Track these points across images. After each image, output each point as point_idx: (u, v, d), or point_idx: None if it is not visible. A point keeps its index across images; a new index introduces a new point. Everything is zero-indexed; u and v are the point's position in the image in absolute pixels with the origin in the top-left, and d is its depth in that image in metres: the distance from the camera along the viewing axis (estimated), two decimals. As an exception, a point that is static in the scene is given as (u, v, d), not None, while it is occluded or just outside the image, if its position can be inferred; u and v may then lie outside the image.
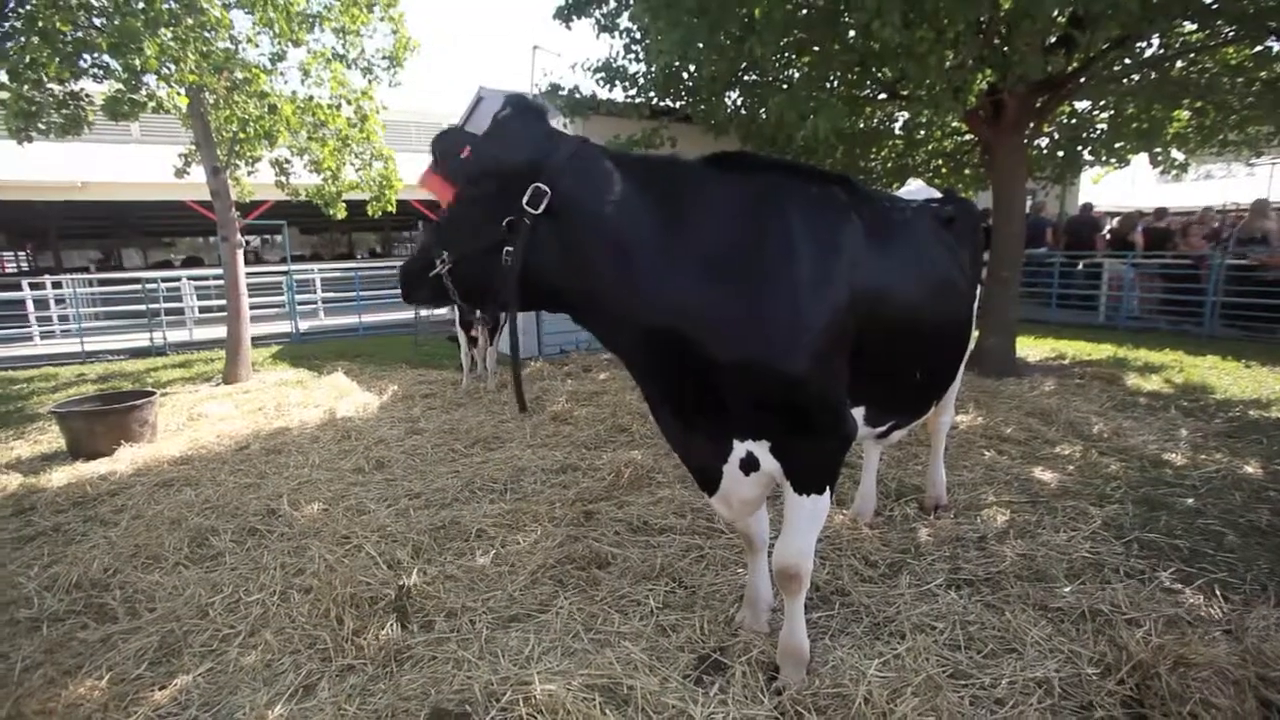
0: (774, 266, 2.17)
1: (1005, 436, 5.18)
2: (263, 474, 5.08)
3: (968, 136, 8.74)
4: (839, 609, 3.06)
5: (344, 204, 10.20)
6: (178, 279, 13.90)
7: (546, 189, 2.02)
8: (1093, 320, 10.52)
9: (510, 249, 2.05)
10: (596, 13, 7.62)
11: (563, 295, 2.18)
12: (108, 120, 7.31)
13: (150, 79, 7.44)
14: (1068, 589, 3.09)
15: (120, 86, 7.02)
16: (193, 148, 8.90)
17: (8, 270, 23.43)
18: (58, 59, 6.84)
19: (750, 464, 2.36)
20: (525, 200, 2.03)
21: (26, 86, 7.10)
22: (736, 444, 2.34)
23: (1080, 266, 11.34)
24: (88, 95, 7.62)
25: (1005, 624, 2.87)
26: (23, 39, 6.75)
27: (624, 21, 7.59)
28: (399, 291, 2.32)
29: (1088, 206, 12.62)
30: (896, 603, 3.06)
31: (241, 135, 8.31)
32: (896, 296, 2.48)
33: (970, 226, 3.31)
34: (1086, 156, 7.98)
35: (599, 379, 7.94)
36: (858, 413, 2.54)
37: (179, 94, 7.79)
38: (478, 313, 2.24)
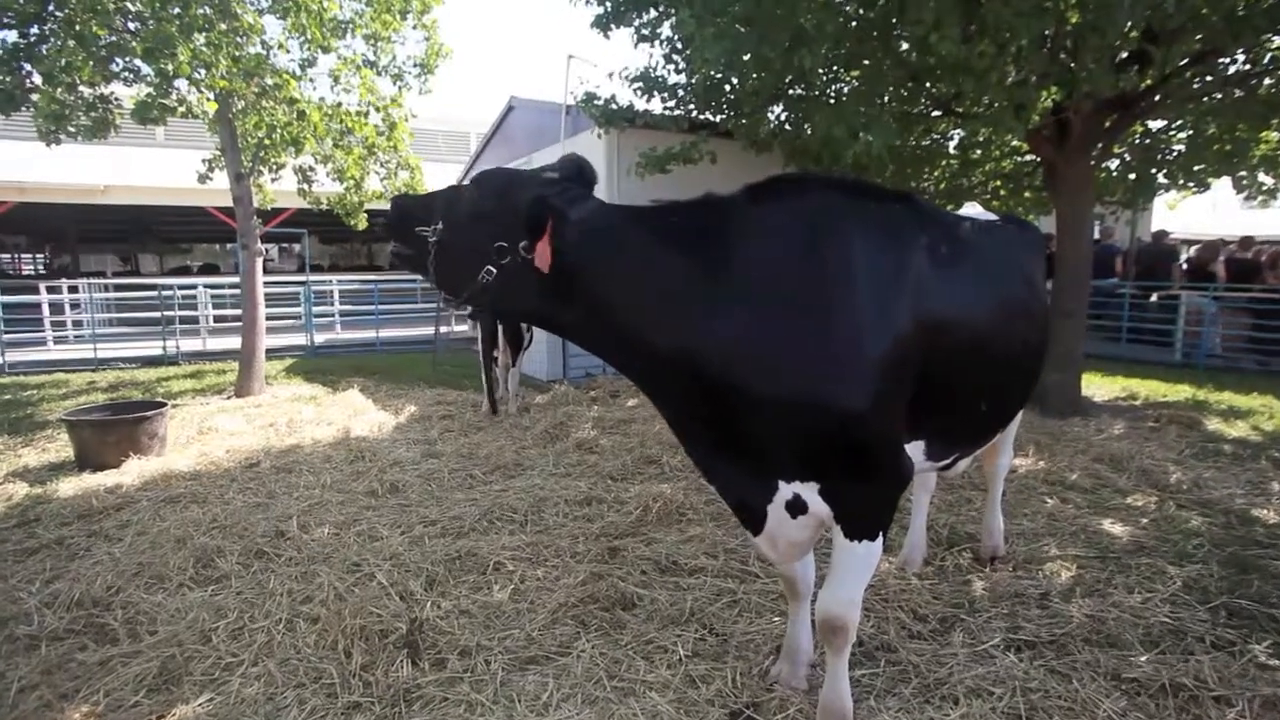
0: (828, 293, 2.14)
1: (1070, 483, 5.03)
2: (272, 493, 5.14)
3: (1029, 157, 8.64)
4: (885, 667, 2.97)
5: (366, 214, 10.44)
6: (194, 286, 14.31)
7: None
8: (1168, 358, 10.22)
9: (491, 270, 2.15)
10: (637, 21, 7.73)
11: (551, 324, 2.30)
12: (135, 124, 7.58)
13: (181, 84, 7.73)
14: (1144, 658, 2.95)
15: (151, 91, 7.29)
16: (218, 153, 9.20)
17: (25, 273, 24.31)
18: (91, 63, 7.13)
19: (797, 507, 2.33)
20: (522, 244, 2.13)
21: (60, 89, 7.40)
22: (782, 485, 2.31)
23: (1154, 299, 11.07)
24: (117, 99, 7.93)
25: (1073, 694, 2.74)
26: (59, 42, 7.06)
27: (666, 30, 7.69)
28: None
29: (1162, 234, 12.34)
30: (949, 663, 2.96)
31: (267, 141, 8.57)
32: (966, 322, 2.44)
33: (1035, 250, 3.26)
34: (1161, 180, 7.83)
35: (627, 405, 7.92)
36: (917, 447, 2.50)
37: (209, 99, 8.06)
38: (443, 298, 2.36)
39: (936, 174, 8.93)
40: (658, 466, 5.59)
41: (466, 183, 2.34)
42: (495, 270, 2.17)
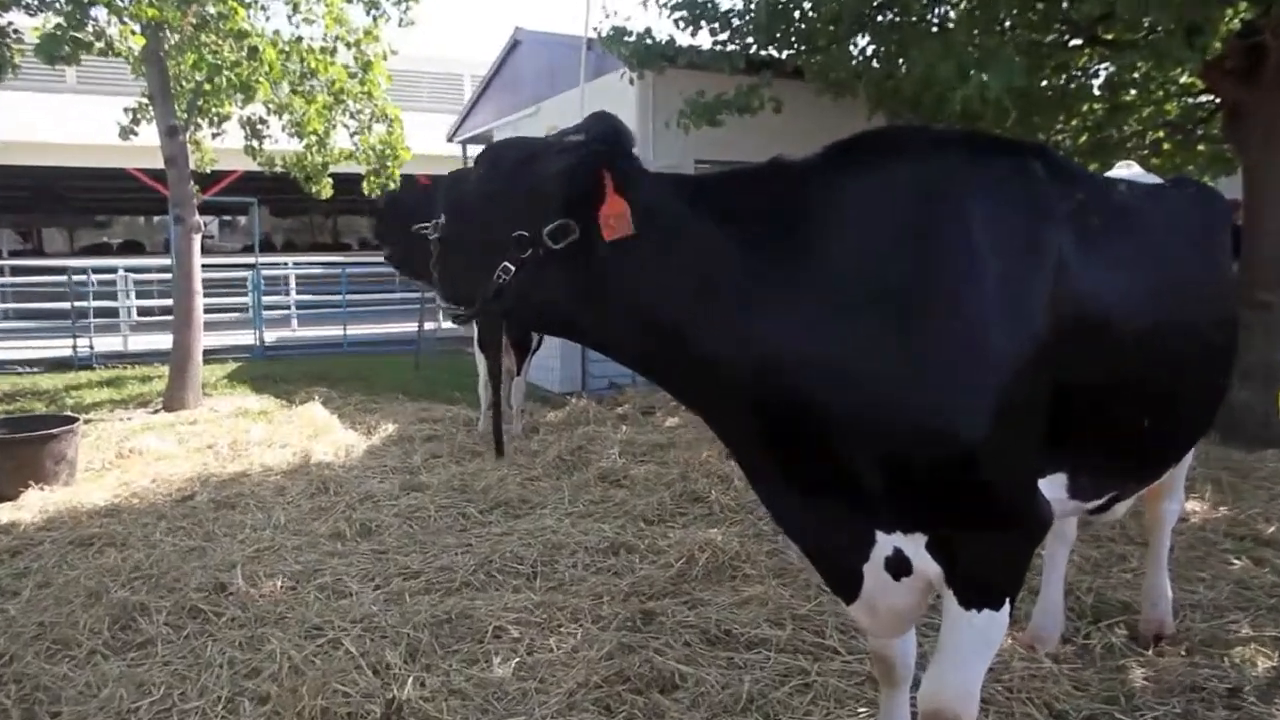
0: (938, 283, 2.11)
1: (1265, 538, 4.88)
2: (210, 535, 5.18)
3: (1205, 98, 8.47)
4: (1011, 779, 2.89)
5: (331, 179, 10.59)
6: (113, 270, 14.63)
7: (576, 229, 2.14)
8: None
9: (509, 267, 2.17)
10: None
11: (581, 334, 2.35)
12: (40, 63, 7.76)
13: (99, 12, 7.90)
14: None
15: (60, 21, 7.45)
16: (144, 101, 9.41)
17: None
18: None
19: (899, 565, 2.28)
20: (547, 230, 2.14)
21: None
22: (881, 538, 2.27)
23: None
24: (16, 30, 8.11)
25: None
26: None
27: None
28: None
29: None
30: (1098, 777, 2.88)
31: (208, 87, 8.73)
32: (1123, 317, 2.38)
33: (1217, 221, 3.17)
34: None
35: (664, 425, 7.87)
36: (1056, 483, 2.44)
37: (134, 32, 8.24)
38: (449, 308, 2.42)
39: (1075, 124, 8.81)
40: (704, 505, 5.52)
41: (468, 160, 2.36)
42: (514, 267, 2.17)
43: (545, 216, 2.15)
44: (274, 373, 11.44)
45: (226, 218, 31.62)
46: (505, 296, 2.21)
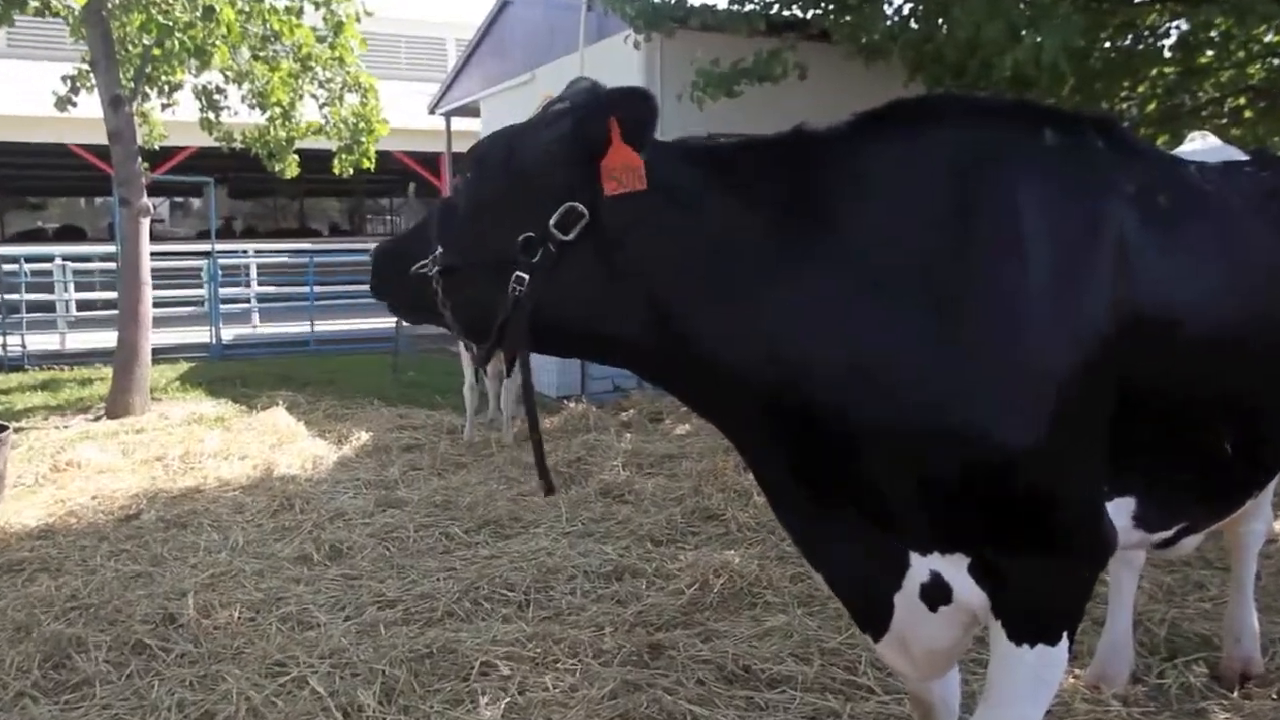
0: (984, 274, 2.11)
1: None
2: (158, 559, 5.18)
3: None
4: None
5: (297, 156, 10.61)
6: (48, 259, 14.67)
7: (584, 211, 2.15)
8: None
9: (523, 276, 2.18)
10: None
11: (609, 345, 2.35)
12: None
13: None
14: None
15: (-11, -25, 7.48)
16: (84, 67, 9.43)
17: None
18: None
19: (938, 592, 2.26)
20: (553, 221, 2.15)
21: None
22: (916, 560, 2.25)
23: None
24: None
25: None
26: None
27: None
28: (368, 280, 2.56)
29: None
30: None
31: (158, 52, 8.75)
32: (1198, 314, 2.35)
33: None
34: None
35: (674, 433, 7.87)
36: (1122, 508, 2.40)
37: (73, -12, 8.25)
38: (473, 347, 2.48)
39: (1142, 90, 8.79)
40: (720, 523, 5.52)
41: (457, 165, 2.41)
42: (528, 275, 2.18)
43: (547, 206, 2.16)
44: (232, 374, 11.45)
45: (178, 200, 31.73)
46: (524, 310, 2.20)
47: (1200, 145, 3.53)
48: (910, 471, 2.14)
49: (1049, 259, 2.13)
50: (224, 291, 14.39)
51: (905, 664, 2.48)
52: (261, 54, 9.66)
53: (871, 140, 2.24)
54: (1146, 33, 8.56)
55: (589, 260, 2.18)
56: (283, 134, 10.18)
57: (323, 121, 10.35)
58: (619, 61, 9.78)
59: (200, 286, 14.76)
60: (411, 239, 2.52)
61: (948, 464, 2.10)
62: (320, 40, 9.72)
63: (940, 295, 2.10)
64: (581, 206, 2.15)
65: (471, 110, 15.97)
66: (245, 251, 16.96)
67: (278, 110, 9.96)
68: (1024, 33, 5.89)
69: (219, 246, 14.74)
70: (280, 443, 7.67)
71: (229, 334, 13.98)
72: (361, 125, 10.27)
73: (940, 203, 2.15)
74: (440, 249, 2.31)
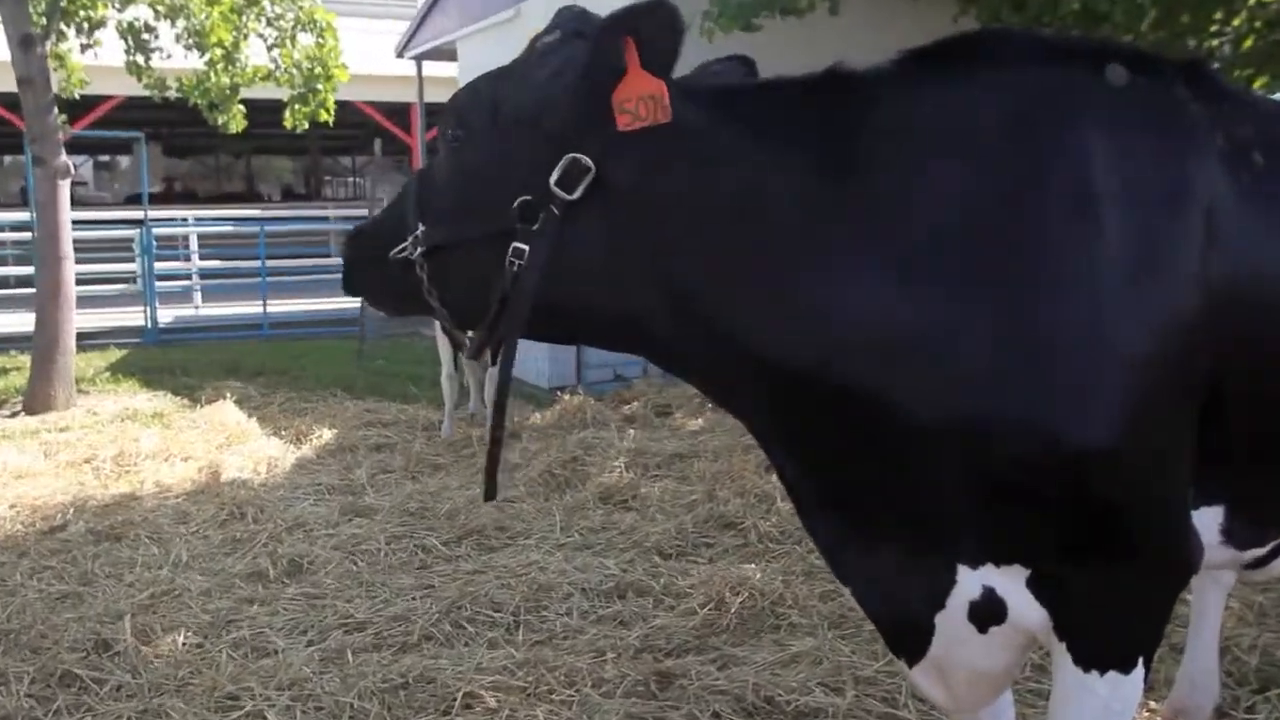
0: (1049, 243, 2.11)
1: None
2: (89, 577, 5.20)
3: None
4: None
5: (242, 108, 10.58)
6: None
7: (590, 164, 2.13)
8: None
9: (521, 247, 2.17)
10: None
11: (619, 326, 2.33)
12: None
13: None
14: None
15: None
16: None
17: None
18: None
19: (989, 610, 2.27)
20: (554, 179, 2.13)
21: None
22: (964, 572, 2.26)
23: None
24: None
25: None
26: None
27: None
28: (339, 271, 2.54)
29: None
30: None
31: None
32: None
33: None
34: None
35: (685, 430, 7.88)
36: (1209, 520, 2.41)
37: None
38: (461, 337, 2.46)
39: (1237, 23, 8.72)
40: (738, 533, 5.53)
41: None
42: (528, 247, 2.17)
43: (547, 161, 2.14)
44: (171, 363, 11.47)
45: (104, 158, 31.72)
46: (525, 286, 2.18)
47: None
48: (967, 471, 2.13)
49: (1129, 229, 2.11)
50: (159, 267, 14.42)
51: (942, 693, 2.49)
52: (198, -16, 9.62)
53: (919, 84, 2.23)
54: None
55: (597, 224, 2.17)
56: (225, 81, 10.12)
57: (272, 66, 10.30)
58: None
59: (132, 261, 14.77)
60: (385, 221, 2.49)
61: (1011, 461, 2.10)
62: (268, -30, 9.69)
63: (1003, 272, 2.10)
64: (586, 159, 2.12)
65: (446, 53, 15.84)
66: (184, 220, 16.93)
67: (219, 52, 9.90)
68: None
69: (153, 213, 14.77)
70: (229, 442, 7.69)
71: (166, 316, 14.02)
72: (317, 70, 10.23)
73: (1001, 161, 2.15)
74: (422, 227, 2.29)
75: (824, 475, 2.35)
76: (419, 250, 2.29)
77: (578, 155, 2.12)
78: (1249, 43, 8.78)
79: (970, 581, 2.26)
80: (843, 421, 2.20)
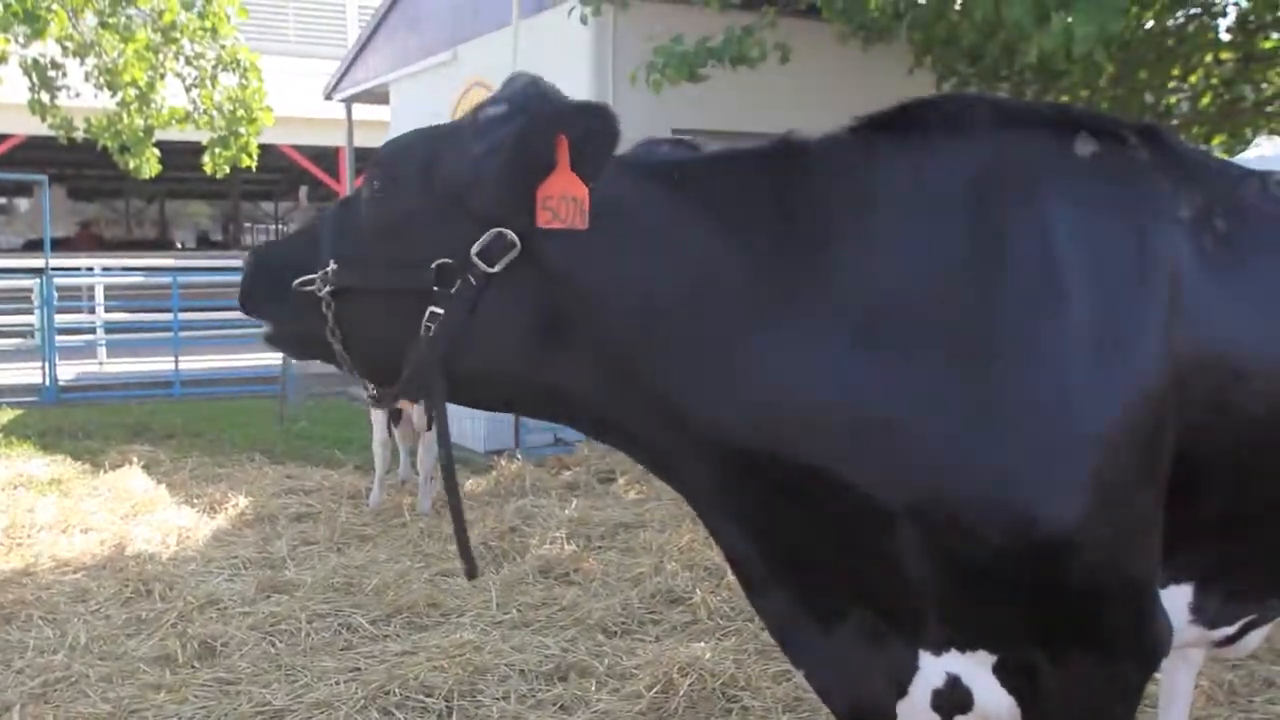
0: (1013, 317, 2.15)
1: None
2: (-25, 660, 5.06)
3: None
4: None
5: (157, 151, 10.52)
6: None
7: (515, 240, 2.17)
8: None
9: (437, 311, 2.21)
10: None
11: (544, 400, 2.42)
12: None
13: None
14: None
15: None
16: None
17: None
18: None
19: (954, 700, 2.29)
20: (475, 250, 2.17)
21: None
22: (927, 660, 2.28)
23: None
24: None
25: None
26: None
27: None
28: (258, 326, 2.59)
29: None
30: None
31: (-23, 15, 8.67)
32: (1267, 365, 2.40)
33: None
34: None
35: (629, 498, 7.86)
36: (1178, 598, 2.45)
37: None
38: (366, 388, 2.49)
39: (1194, 81, 8.95)
40: (686, 609, 5.53)
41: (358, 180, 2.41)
42: (443, 310, 2.19)
43: (471, 230, 2.17)
44: (72, 424, 11.29)
45: (0, 200, 31.29)
46: (438, 352, 2.22)
47: (1270, 151, 3.63)
48: (929, 552, 2.15)
49: (1093, 302, 2.16)
50: (61, 319, 14.18)
51: None
52: (111, 21, 9.56)
53: (876, 153, 2.27)
54: (1199, 11, 8.70)
55: (522, 298, 2.20)
56: (139, 122, 10.07)
57: (190, 107, 10.26)
58: (562, 38, 9.86)
59: (30, 312, 14.54)
60: (297, 244, 2.52)
61: (975, 543, 2.12)
62: (187, 6, 9.67)
63: (965, 346, 2.14)
64: (512, 234, 2.15)
65: (378, 96, 15.98)
66: (89, 269, 16.67)
67: (132, 93, 9.85)
68: (1054, 14, 5.96)
69: (55, 261, 14.58)
70: (134, 512, 7.55)
71: (68, 372, 13.81)
72: (240, 113, 10.22)
73: (962, 233, 2.20)
74: (334, 265, 2.30)
75: (775, 553, 2.35)
76: (327, 289, 2.30)
77: (503, 230, 2.15)
78: (1206, 100, 9.03)
79: (932, 669, 2.28)
80: (796, 499, 2.22)
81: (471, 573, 2.49)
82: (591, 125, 2.13)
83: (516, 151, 2.12)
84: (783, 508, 2.26)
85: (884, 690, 2.34)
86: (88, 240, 26.87)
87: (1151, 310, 2.23)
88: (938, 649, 2.26)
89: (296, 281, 2.35)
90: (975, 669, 2.26)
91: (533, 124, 2.13)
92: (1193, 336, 2.25)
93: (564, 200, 2.11)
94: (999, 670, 2.25)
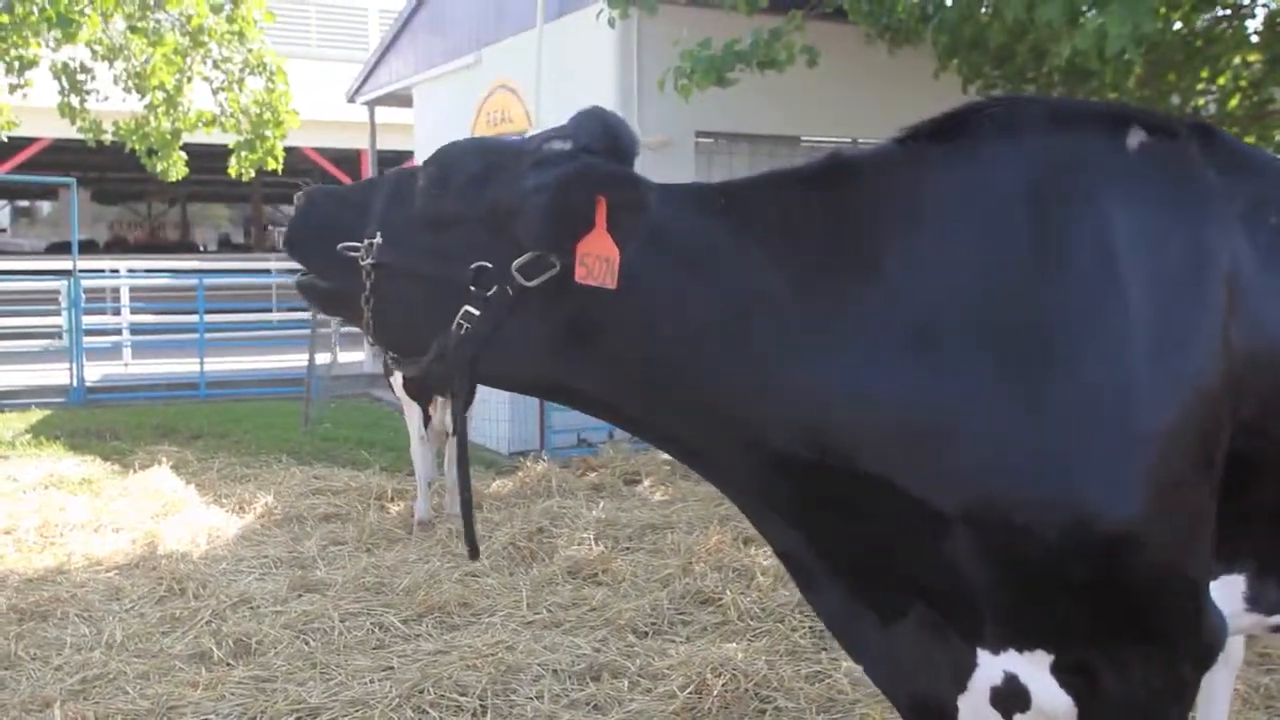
0: (1068, 319, 2.16)
1: None
2: (12, 659, 5.09)
3: None
4: None
5: (184, 154, 10.54)
6: None
7: (554, 263, 2.21)
8: None
9: (472, 311, 2.26)
10: None
11: (573, 398, 2.46)
12: None
13: None
14: None
15: None
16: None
17: None
18: None
19: (1011, 698, 2.29)
20: (516, 265, 2.22)
21: None
22: (985, 658, 2.28)
23: None
24: None
25: None
26: None
27: None
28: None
29: None
30: None
31: (5, 19, 8.68)
32: None
33: None
34: None
35: (655, 500, 7.87)
36: (1232, 587, 2.46)
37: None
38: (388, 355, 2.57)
39: (1222, 82, 8.90)
40: (717, 610, 5.52)
41: (415, 165, 2.46)
42: (478, 311, 2.24)
43: (515, 247, 2.22)
44: (101, 425, 11.32)
45: (23, 203, 31.44)
46: (468, 348, 2.26)
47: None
48: (987, 553, 2.16)
49: (1149, 301, 2.16)
50: (88, 321, 14.21)
51: None
52: (140, 25, 9.58)
53: (926, 165, 2.29)
54: (1228, 11, 8.65)
55: (556, 312, 2.24)
56: (166, 125, 10.09)
57: (218, 111, 10.29)
58: (587, 41, 9.86)
59: (58, 314, 14.61)
60: (351, 201, 2.55)
61: (1033, 543, 2.13)
62: (216, 11, 9.68)
63: (1022, 348, 2.14)
64: (553, 257, 2.18)
65: (401, 99, 15.97)
66: (115, 271, 16.73)
67: (159, 96, 9.87)
68: (1085, 14, 5.96)
69: (82, 264, 14.58)
70: (164, 511, 7.59)
71: (95, 374, 13.84)
72: (266, 116, 10.23)
73: (1018, 236, 2.20)
74: (380, 238, 2.36)
75: (829, 553, 2.37)
76: (369, 260, 2.36)
77: (545, 255, 2.20)
78: (1235, 102, 8.97)
79: (990, 666, 2.28)
80: (848, 504, 2.24)
81: (474, 554, 2.55)
82: (630, 196, 2.18)
83: (558, 200, 2.16)
84: (835, 511, 2.27)
85: (946, 686, 2.35)
86: (119, 244, 27.00)
87: (1208, 308, 2.23)
88: (996, 648, 2.27)
89: (342, 245, 2.41)
90: (1033, 669, 2.26)
91: (577, 179, 2.17)
92: (1248, 333, 2.26)
93: (599, 259, 2.16)
94: (1056, 670, 2.24)
